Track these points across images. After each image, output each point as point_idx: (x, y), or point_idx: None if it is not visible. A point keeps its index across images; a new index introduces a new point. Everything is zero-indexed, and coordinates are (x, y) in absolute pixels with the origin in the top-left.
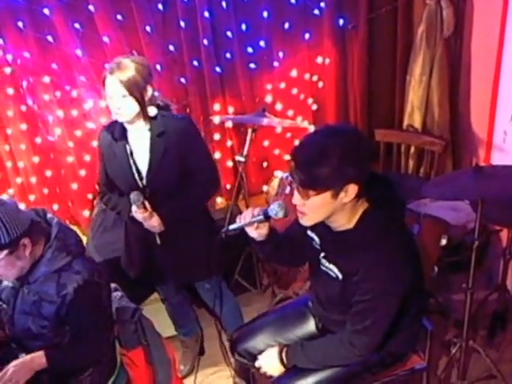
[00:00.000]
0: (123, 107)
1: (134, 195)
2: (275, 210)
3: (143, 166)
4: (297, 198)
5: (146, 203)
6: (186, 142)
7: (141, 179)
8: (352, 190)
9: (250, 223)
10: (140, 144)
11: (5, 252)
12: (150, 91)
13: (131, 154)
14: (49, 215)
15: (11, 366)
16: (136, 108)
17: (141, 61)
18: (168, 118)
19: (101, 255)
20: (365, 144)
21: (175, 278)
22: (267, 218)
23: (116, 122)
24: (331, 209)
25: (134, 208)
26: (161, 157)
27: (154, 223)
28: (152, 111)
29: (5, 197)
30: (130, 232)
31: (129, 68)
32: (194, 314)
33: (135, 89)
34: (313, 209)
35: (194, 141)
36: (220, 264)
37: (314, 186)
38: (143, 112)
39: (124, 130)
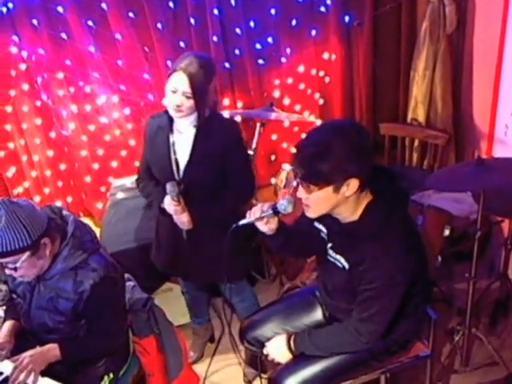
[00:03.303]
0: (183, 106)
1: (170, 185)
2: (284, 205)
3: (182, 159)
4: (301, 192)
5: (180, 197)
6: (229, 146)
7: (178, 172)
8: (354, 184)
9: (260, 218)
10: (184, 137)
11: (27, 253)
12: (210, 92)
13: (173, 144)
14: (64, 212)
15: (27, 356)
16: (194, 108)
17: (209, 61)
18: (216, 118)
19: (114, 246)
20: (366, 140)
21: (197, 276)
22: (276, 213)
23: (165, 112)
24: (334, 202)
25: (167, 199)
26: (202, 153)
27: (183, 219)
28: (206, 112)
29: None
30: (161, 223)
31: (199, 69)
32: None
33: (200, 91)
34: (316, 202)
35: (236, 146)
36: (249, 266)
37: (315, 181)
38: (199, 113)
39: (171, 121)
